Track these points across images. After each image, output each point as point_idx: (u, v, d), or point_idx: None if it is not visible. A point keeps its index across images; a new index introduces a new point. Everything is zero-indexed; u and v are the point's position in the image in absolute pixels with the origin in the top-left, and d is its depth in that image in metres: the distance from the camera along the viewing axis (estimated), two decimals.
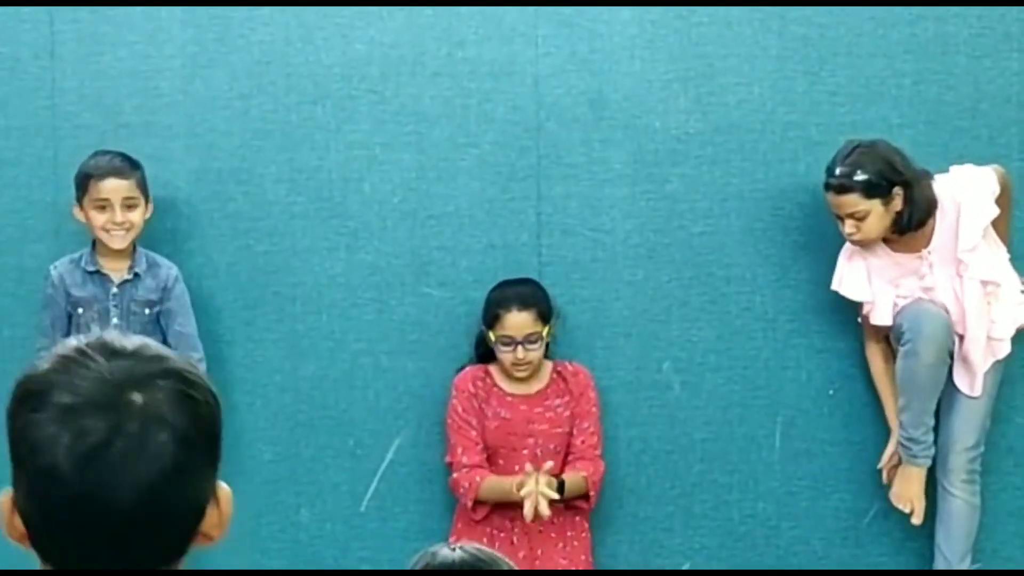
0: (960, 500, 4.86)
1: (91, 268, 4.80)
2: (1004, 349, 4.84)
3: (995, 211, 4.72)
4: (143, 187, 4.77)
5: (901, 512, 4.87)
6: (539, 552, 4.84)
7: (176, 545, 1.60)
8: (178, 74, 4.98)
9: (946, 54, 5.06)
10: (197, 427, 1.59)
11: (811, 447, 5.06)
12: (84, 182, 4.74)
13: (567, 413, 4.88)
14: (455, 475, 4.84)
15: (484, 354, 4.93)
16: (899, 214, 4.68)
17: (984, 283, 4.77)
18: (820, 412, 5.05)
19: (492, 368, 4.91)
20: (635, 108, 5.04)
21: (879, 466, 4.91)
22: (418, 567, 2.63)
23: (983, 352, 4.79)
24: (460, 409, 4.87)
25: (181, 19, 4.97)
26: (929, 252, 4.77)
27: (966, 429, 4.83)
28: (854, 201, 4.65)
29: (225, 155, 4.99)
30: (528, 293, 4.86)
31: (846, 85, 5.05)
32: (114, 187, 4.72)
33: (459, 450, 4.84)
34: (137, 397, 1.55)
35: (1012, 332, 4.83)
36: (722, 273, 5.05)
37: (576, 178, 5.03)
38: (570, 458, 4.88)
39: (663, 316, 5.05)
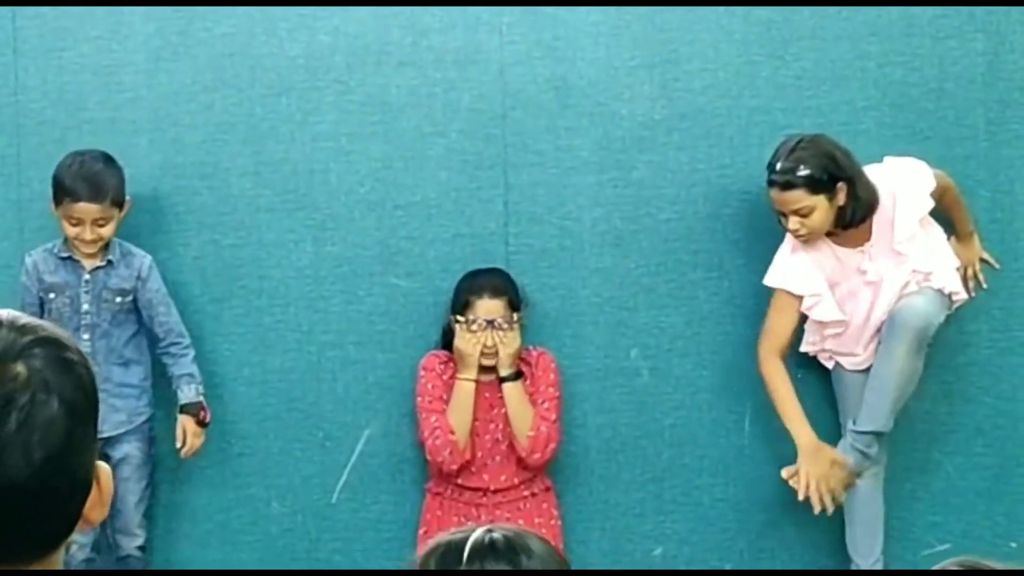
0: None
1: (64, 254, 4.80)
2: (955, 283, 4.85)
3: (930, 204, 4.71)
4: (118, 200, 4.71)
5: None
6: None
7: (66, 526, 1.54)
8: (141, 68, 4.97)
9: (910, 36, 5.05)
10: (83, 394, 1.54)
11: (780, 431, 5.03)
12: (59, 194, 4.70)
13: (528, 398, 4.91)
14: (429, 443, 4.83)
15: (450, 345, 4.94)
16: (842, 209, 4.67)
17: (916, 272, 4.76)
18: None
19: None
20: (600, 95, 5.03)
21: (785, 475, 4.77)
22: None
23: None
24: (429, 387, 4.88)
25: (143, 13, 4.96)
26: (871, 246, 4.77)
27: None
28: (799, 197, 4.62)
29: (190, 149, 4.98)
30: (499, 282, 4.88)
31: (811, 69, 5.04)
32: (86, 210, 4.68)
33: (432, 419, 4.85)
34: (20, 368, 1.49)
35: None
36: (690, 259, 5.05)
37: (543, 166, 5.03)
38: None
39: (631, 303, 5.05)
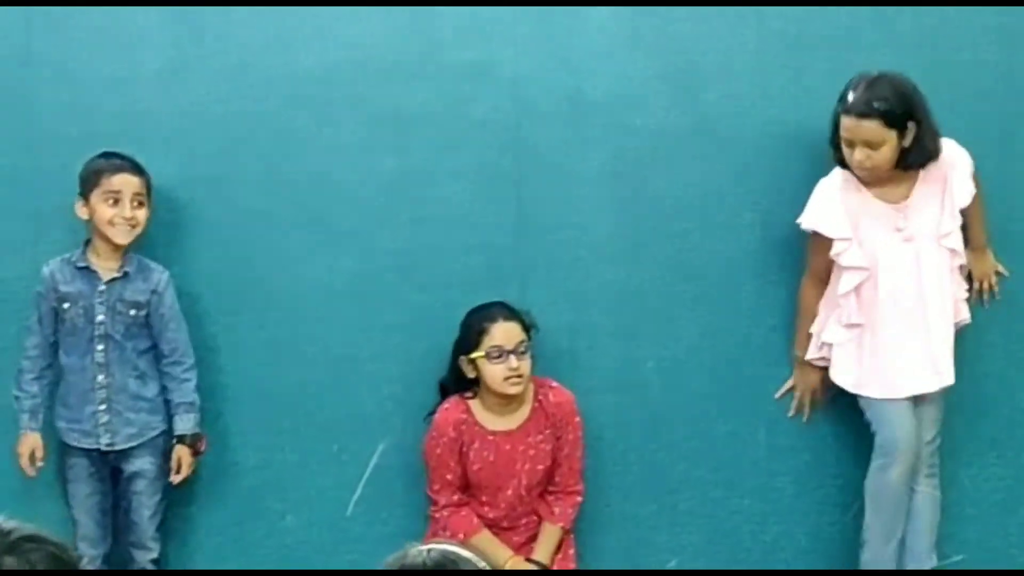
0: (924, 494, 4.89)
1: (81, 264, 4.81)
2: (963, 312, 4.89)
3: (973, 188, 4.77)
4: (150, 186, 4.82)
5: None
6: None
7: None
8: (155, 80, 4.96)
9: (924, 47, 5.06)
10: None
11: (795, 443, 5.07)
12: (94, 176, 4.76)
13: (549, 447, 4.83)
14: (437, 515, 4.81)
15: (455, 390, 4.86)
16: (906, 150, 4.68)
17: (952, 252, 4.80)
18: None
19: (473, 404, 4.83)
20: (614, 106, 5.03)
21: (777, 395, 5.02)
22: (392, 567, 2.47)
23: (948, 329, 4.83)
24: (439, 451, 4.81)
25: (157, 25, 4.95)
26: (907, 205, 4.77)
27: (927, 423, 4.86)
28: (872, 128, 4.63)
29: (204, 161, 4.97)
30: (508, 306, 4.81)
31: (825, 79, 5.02)
32: (127, 181, 4.76)
33: (436, 487, 4.82)
34: (10, 561, 1.68)
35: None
36: (704, 271, 5.04)
37: (556, 178, 5.02)
38: (551, 495, 4.88)
39: (645, 315, 5.05)
